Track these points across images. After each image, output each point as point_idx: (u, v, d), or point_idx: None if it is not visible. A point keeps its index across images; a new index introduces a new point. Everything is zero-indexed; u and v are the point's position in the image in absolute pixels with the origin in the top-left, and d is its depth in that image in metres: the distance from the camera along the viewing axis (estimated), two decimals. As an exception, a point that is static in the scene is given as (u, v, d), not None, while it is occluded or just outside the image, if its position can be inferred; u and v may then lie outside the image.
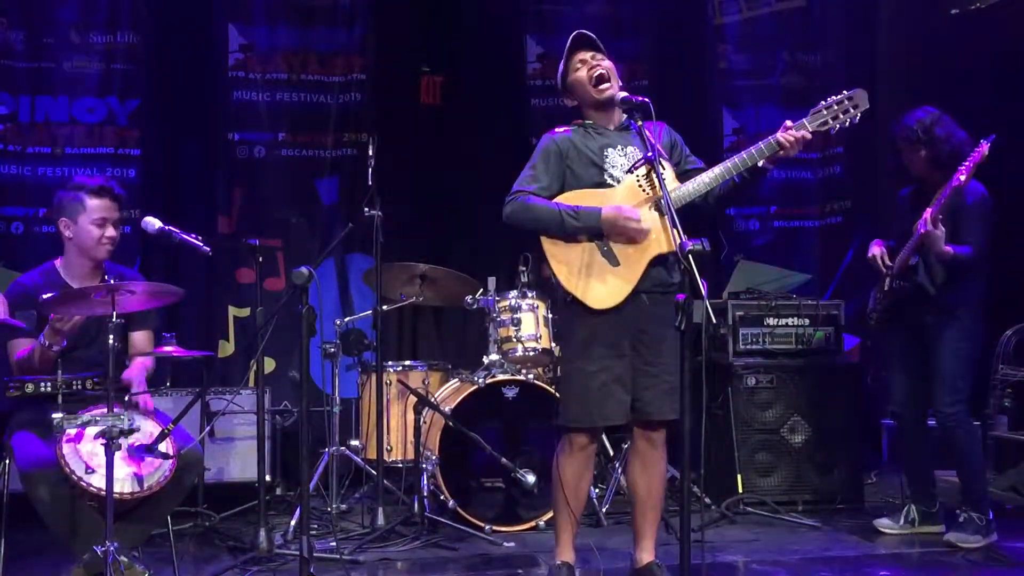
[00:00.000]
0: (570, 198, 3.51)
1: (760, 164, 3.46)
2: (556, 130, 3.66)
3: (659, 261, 3.49)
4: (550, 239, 3.51)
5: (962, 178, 4.05)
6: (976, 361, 4.41)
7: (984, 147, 4.05)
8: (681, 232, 3.10)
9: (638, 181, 3.50)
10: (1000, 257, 4.38)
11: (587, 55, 3.60)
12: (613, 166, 3.55)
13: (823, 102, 3.49)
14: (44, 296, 3.44)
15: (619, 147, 3.58)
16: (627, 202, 3.48)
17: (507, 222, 3.54)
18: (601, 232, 3.45)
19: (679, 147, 3.68)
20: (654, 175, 3.39)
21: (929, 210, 4.11)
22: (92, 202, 3.84)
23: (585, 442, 3.56)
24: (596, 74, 3.56)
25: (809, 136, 3.45)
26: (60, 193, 3.93)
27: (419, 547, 4.35)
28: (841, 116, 3.47)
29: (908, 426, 4.48)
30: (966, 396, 4.28)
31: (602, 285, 3.46)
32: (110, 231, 3.86)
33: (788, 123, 3.47)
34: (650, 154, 3.37)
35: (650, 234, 3.45)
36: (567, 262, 3.49)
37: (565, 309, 3.54)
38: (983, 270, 4.30)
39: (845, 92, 3.48)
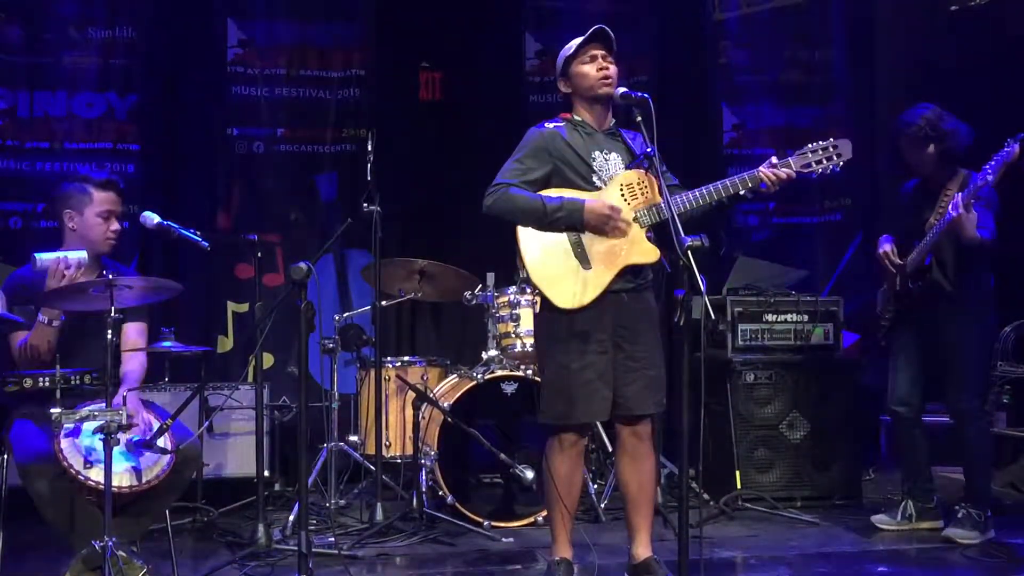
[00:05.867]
0: (553, 195, 3.49)
1: (741, 193, 3.47)
2: (545, 123, 3.63)
3: (631, 268, 3.49)
4: (527, 232, 3.49)
5: (989, 178, 4.01)
6: (989, 356, 4.41)
7: (1014, 148, 3.99)
8: (681, 230, 3.10)
9: (621, 190, 3.50)
10: (999, 253, 4.39)
11: (600, 52, 3.55)
12: (600, 168, 3.54)
13: (809, 145, 3.53)
14: (38, 257, 3.46)
15: (604, 151, 3.57)
16: None
17: (488, 213, 3.50)
18: (582, 223, 3.43)
19: (658, 162, 3.66)
20: (649, 175, 3.40)
21: (959, 195, 4.08)
22: (99, 195, 3.83)
23: (574, 439, 3.55)
24: (603, 75, 3.54)
25: (794, 176, 3.49)
26: (64, 185, 3.91)
27: (417, 542, 4.35)
28: (825, 162, 3.51)
29: (906, 422, 4.48)
30: (982, 391, 4.29)
31: (570, 285, 3.44)
32: (115, 225, 3.86)
33: (774, 159, 3.49)
34: (650, 149, 3.37)
35: (626, 244, 3.45)
36: (540, 258, 3.48)
37: (545, 306, 3.52)
38: (990, 264, 4.30)
39: (832, 140, 3.53)
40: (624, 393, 3.51)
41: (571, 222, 3.43)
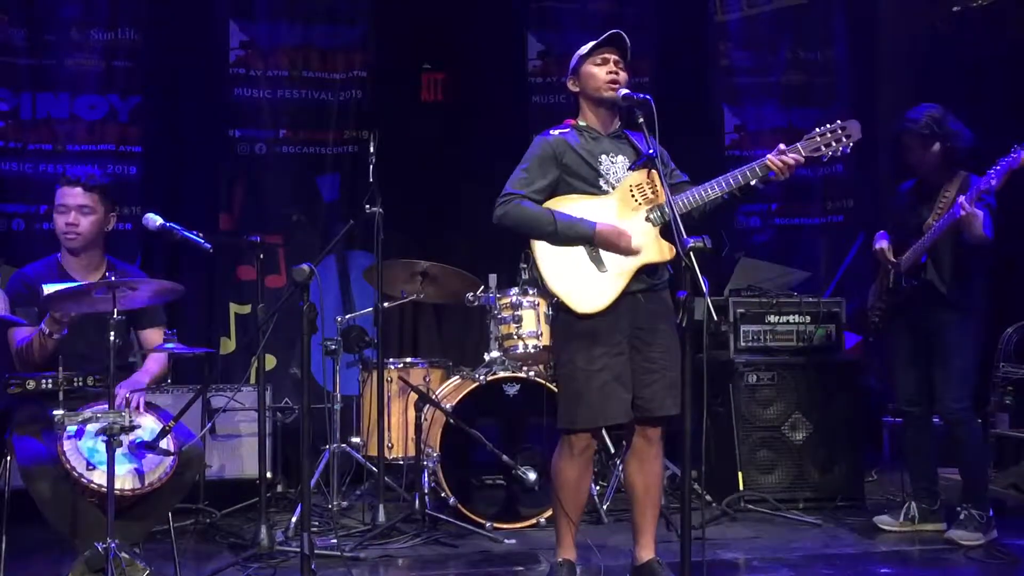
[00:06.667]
0: (563, 204, 3.50)
1: (752, 184, 3.48)
2: (551, 131, 3.63)
3: (646, 267, 3.50)
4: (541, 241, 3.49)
5: (993, 182, 4.02)
6: (981, 358, 4.41)
7: (1020, 154, 3.99)
8: (683, 231, 3.10)
9: (631, 190, 3.51)
10: (1002, 255, 4.38)
11: (614, 56, 3.56)
12: (607, 172, 3.55)
13: (817, 129, 3.52)
14: (45, 288, 3.46)
15: (611, 154, 3.57)
16: (620, 210, 3.49)
17: (498, 224, 3.51)
18: (592, 244, 3.45)
19: (665, 161, 3.65)
20: (655, 173, 3.41)
21: (963, 196, 4.08)
22: (59, 191, 3.88)
23: (586, 444, 3.55)
24: (611, 78, 3.54)
25: (803, 160, 3.48)
26: None
27: (420, 544, 4.35)
28: (834, 144, 3.49)
29: (915, 423, 4.47)
30: (972, 393, 4.29)
31: (587, 289, 3.45)
32: (70, 217, 3.84)
33: (782, 146, 3.49)
34: (651, 151, 3.37)
35: (641, 243, 3.45)
36: (555, 263, 3.48)
37: (560, 309, 3.53)
38: (988, 267, 4.30)
39: (839, 121, 3.52)
40: (644, 394, 3.50)
41: (581, 242, 3.45)
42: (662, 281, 3.59)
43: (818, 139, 3.50)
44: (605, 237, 3.42)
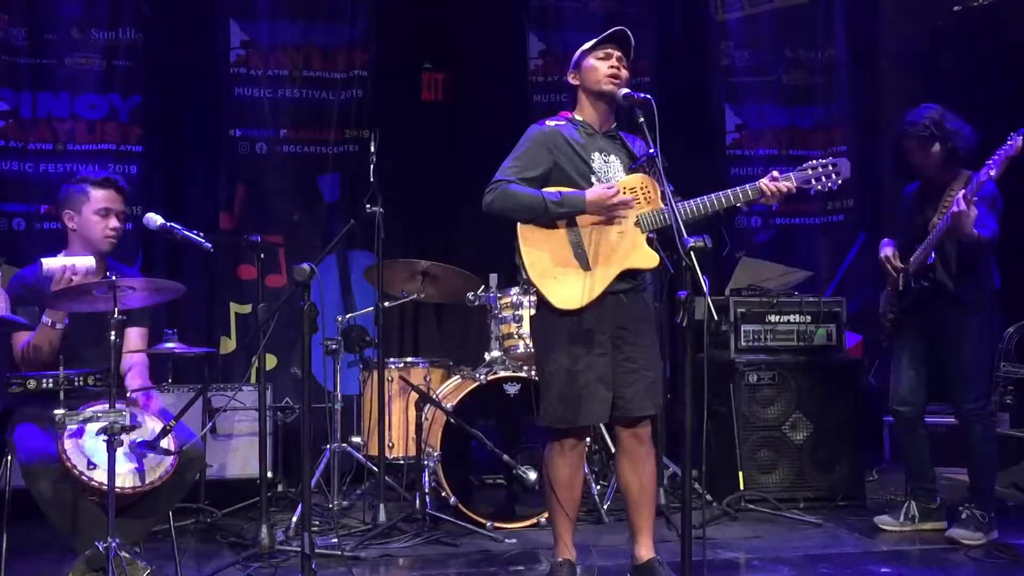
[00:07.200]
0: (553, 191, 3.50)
1: (738, 205, 3.50)
2: (546, 121, 3.64)
3: (628, 271, 3.50)
4: (527, 231, 3.48)
5: (992, 173, 4.01)
6: (993, 357, 4.41)
7: (1017, 141, 3.97)
8: (684, 231, 3.10)
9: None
10: (1002, 253, 4.38)
11: (617, 53, 3.57)
12: (599, 170, 3.55)
13: (811, 162, 3.58)
14: (44, 264, 3.47)
15: (603, 153, 3.58)
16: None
17: (487, 211, 3.50)
18: (584, 212, 3.43)
19: (657, 166, 3.66)
20: (649, 180, 3.42)
21: (963, 191, 4.09)
22: (96, 192, 3.85)
23: (575, 442, 3.55)
24: (612, 72, 3.55)
25: (794, 190, 3.52)
26: (64, 187, 3.94)
27: (420, 543, 4.35)
28: (823, 179, 3.55)
29: (908, 422, 4.47)
30: (987, 392, 4.29)
31: (568, 286, 3.45)
32: (113, 222, 3.86)
33: (775, 173, 3.51)
34: (652, 151, 3.37)
35: (627, 247, 3.46)
36: (539, 256, 3.48)
37: (543, 307, 3.53)
38: (994, 264, 4.30)
39: (832, 158, 3.59)
40: (624, 395, 3.51)
41: (573, 213, 3.44)
42: (643, 282, 3.60)
43: (810, 172, 3.55)
44: (599, 201, 3.40)
